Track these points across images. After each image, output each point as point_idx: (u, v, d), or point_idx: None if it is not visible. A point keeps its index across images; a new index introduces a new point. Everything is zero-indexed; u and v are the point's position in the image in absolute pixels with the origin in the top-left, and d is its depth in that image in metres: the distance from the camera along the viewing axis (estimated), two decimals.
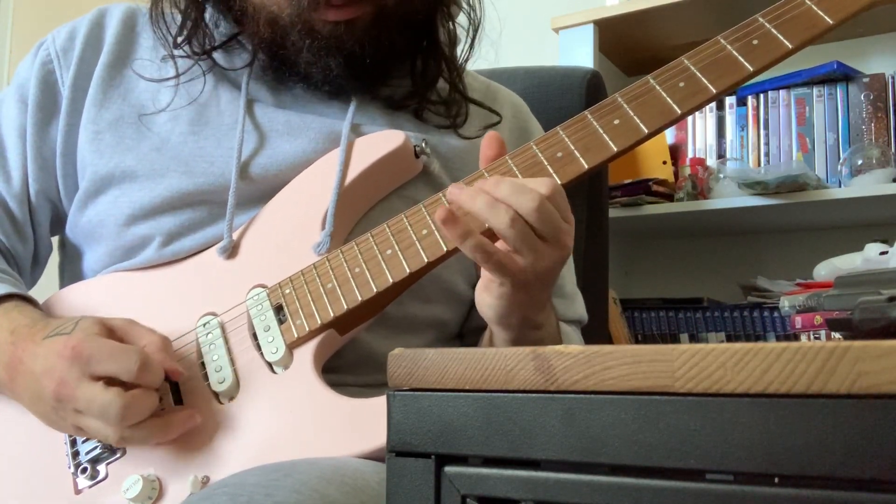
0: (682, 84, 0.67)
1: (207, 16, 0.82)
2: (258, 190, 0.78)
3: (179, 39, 0.80)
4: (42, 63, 0.84)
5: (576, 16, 1.82)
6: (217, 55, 0.82)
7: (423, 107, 0.84)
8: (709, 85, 0.66)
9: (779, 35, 0.66)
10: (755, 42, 0.66)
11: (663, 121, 0.67)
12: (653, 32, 1.83)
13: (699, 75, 0.66)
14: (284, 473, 0.56)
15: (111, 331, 0.69)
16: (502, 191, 0.62)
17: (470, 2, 0.85)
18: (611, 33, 1.81)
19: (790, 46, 0.65)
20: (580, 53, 1.79)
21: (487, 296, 0.66)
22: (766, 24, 0.67)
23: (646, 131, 0.66)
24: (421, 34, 0.83)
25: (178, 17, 0.82)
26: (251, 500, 0.52)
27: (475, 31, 0.85)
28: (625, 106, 0.67)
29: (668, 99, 0.66)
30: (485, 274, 0.65)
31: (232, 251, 0.76)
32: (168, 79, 0.80)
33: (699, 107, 0.67)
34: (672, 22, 1.78)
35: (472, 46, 0.85)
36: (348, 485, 0.57)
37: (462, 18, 0.86)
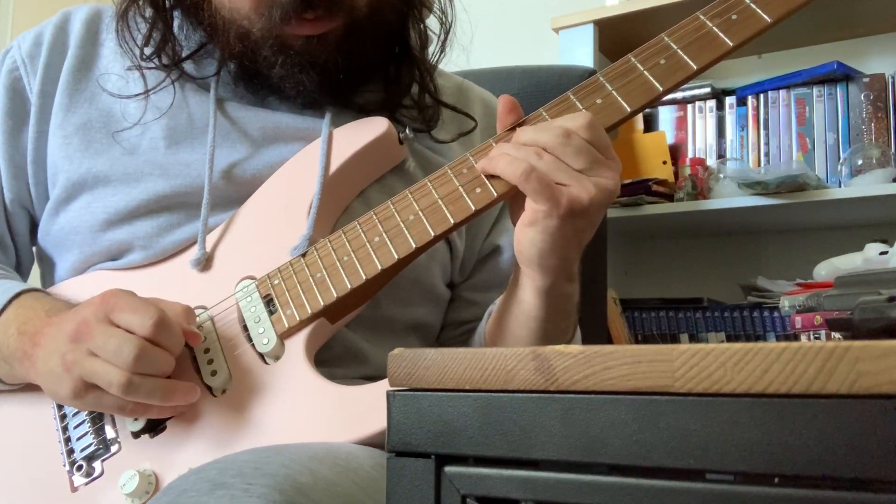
0: (662, 61, 0.67)
1: (176, 28, 0.81)
2: (235, 192, 0.78)
3: (148, 52, 0.79)
4: (9, 70, 0.83)
5: (576, 16, 1.82)
6: (186, 65, 0.81)
7: (397, 111, 0.83)
8: (689, 61, 0.67)
9: (758, 9, 0.66)
10: (734, 17, 0.67)
11: (645, 99, 0.67)
12: (653, 32, 1.80)
13: (680, 52, 0.67)
14: (275, 452, 0.57)
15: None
16: (525, 135, 0.64)
17: (442, 6, 0.85)
18: (611, 33, 1.81)
19: (769, 20, 0.65)
20: (580, 53, 1.79)
21: (531, 230, 0.64)
22: None
23: (628, 109, 0.67)
24: (393, 41, 0.82)
25: (144, 26, 0.80)
26: (240, 472, 0.52)
27: (446, 33, 0.85)
28: (607, 85, 0.68)
29: (650, 77, 0.67)
30: (530, 205, 0.64)
31: (206, 263, 0.75)
32: (137, 95, 0.79)
33: (681, 83, 0.68)
34: (672, 22, 1.76)
35: (443, 49, 0.85)
36: (340, 465, 0.57)
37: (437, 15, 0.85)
